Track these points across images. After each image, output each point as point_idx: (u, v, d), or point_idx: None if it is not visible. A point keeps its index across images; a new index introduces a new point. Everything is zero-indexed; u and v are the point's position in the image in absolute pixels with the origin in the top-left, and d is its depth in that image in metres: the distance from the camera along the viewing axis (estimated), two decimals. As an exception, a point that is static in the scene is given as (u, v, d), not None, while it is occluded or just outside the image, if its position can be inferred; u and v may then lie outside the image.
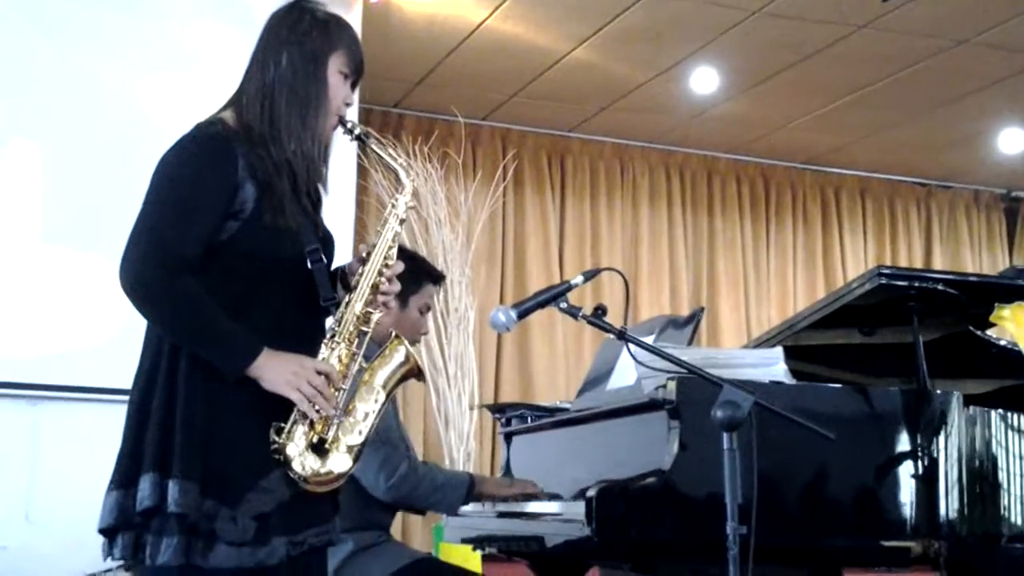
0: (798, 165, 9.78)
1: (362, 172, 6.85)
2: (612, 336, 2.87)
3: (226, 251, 2.33)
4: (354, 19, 6.30)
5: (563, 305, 2.84)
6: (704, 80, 7.88)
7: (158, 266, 2.24)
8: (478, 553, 5.47)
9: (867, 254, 9.91)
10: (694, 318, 3.49)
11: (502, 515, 3.50)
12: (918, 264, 9.95)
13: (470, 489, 3.34)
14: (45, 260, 5.66)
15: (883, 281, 3.29)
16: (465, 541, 3.85)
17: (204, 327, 2.27)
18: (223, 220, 2.32)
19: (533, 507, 3.36)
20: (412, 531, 7.90)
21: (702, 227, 9.47)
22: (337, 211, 4.98)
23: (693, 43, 7.33)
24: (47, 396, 5.59)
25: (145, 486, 2.21)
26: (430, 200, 7.02)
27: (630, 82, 7.97)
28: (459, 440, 6.80)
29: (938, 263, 10.01)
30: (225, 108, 2.47)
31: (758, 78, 7.85)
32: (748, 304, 9.47)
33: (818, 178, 9.89)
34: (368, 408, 2.38)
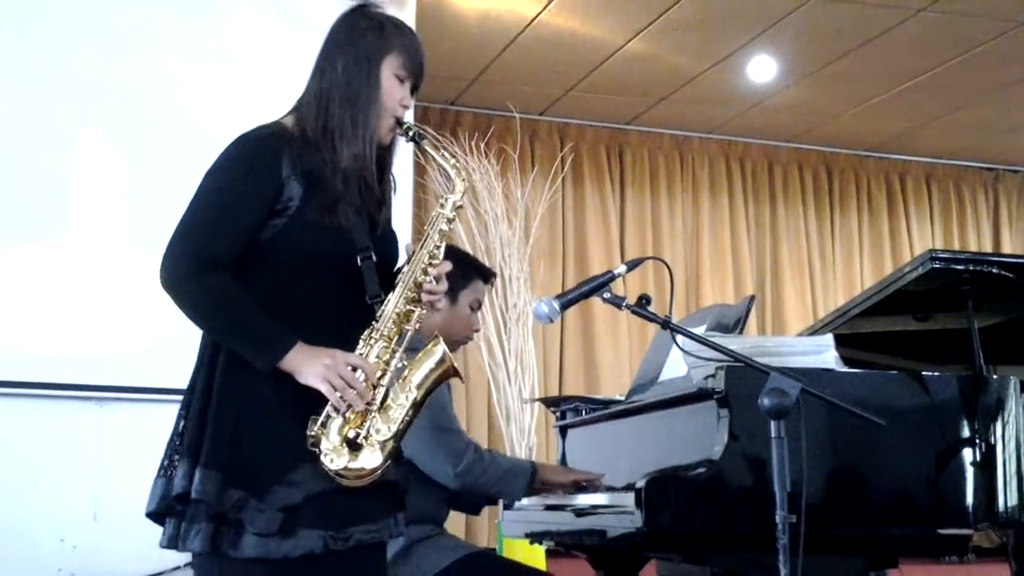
0: (861, 152, 9.68)
1: (420, 170, 6.87)
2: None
3: (272, 247, 2.37)
4: (407, 17, 6.32)
5: (607, 295, 2.82)
6: (762, 68, 7.83)
7: (191, 266, 2.30)
8: (539, 547, 5.48)
9: (934, 240, 9.78)
10: (744, 308, 3.46)
11: (550, 508, 3.49)
12: (988, 249, 9.80)
13: (533, 476, 3.32)
14: (118, 263, 5.72)
15: (936, 265, 3.22)
16: (525, 535, 3.84)
17: (236, 321, 2.32)
18: (267, 217, 2.36)
19: (582, 499, 3.34)
20: (477, 527, 7.93)
21: (764, 217, 9.42)
22: (395, 209, 4.99)
23: (749, 31, 7.27)
24: (114, 397, 5.67)
25: (179, 472, 2.27)
26: (486, 196, 7.02)
27: (687, 73, 7.93)
28: (520, 435, 6.80)
29: (1007, 247, 9.87)
30: (288, 114, 2.51)
31: (816, 65, 7.77)
32: (814, 293, 9.41)
33: (882, 165, 9.78)
34: (402, 405, 2.37)
